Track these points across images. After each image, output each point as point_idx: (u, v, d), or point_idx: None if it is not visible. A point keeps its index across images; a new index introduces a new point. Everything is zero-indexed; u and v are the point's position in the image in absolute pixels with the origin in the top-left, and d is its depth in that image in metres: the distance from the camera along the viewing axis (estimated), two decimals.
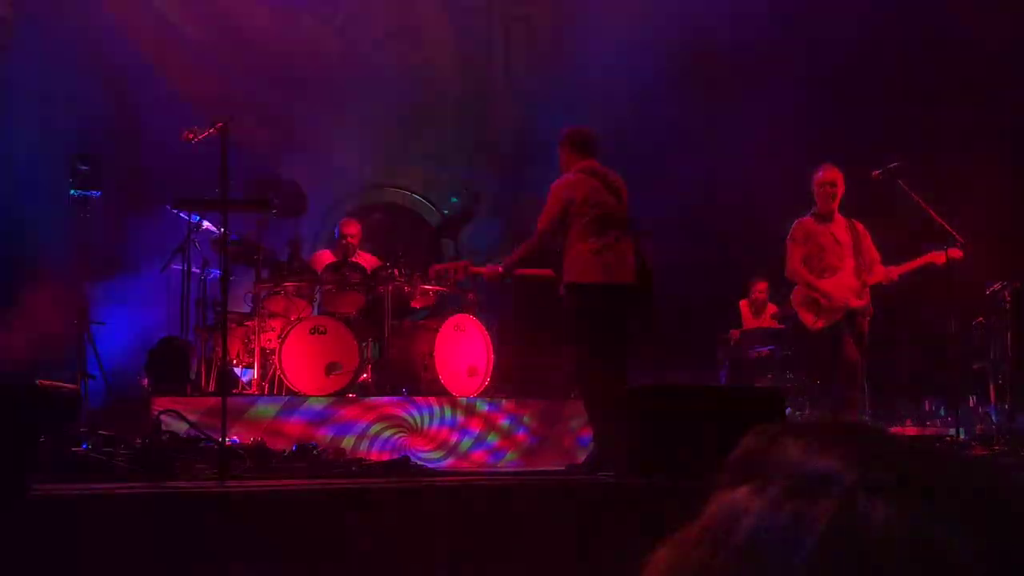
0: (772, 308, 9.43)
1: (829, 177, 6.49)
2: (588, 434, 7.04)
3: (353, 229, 8.20)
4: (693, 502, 0.64)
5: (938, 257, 6.44)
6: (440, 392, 7.06)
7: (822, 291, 6.43)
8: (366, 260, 7.93)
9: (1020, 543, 0.57)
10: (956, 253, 6.43)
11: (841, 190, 6.48)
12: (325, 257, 8.07)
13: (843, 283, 6.42)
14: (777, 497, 0.59)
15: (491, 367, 7.37)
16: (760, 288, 9.45)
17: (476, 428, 7.05)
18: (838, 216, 6.57)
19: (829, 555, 0.55)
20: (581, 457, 7.07)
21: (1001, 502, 0.59)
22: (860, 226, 6.61)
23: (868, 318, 6.46)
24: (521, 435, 7.25)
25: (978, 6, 9.24)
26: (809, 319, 6.50)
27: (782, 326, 9.24)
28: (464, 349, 7.30)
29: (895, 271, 6.49)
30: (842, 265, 6.48)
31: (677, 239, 9.12)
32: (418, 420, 6.84)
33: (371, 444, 6.60)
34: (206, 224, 7.62)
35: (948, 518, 0.56)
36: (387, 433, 6.70)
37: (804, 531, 0.56)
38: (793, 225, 6.60)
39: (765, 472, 0.61)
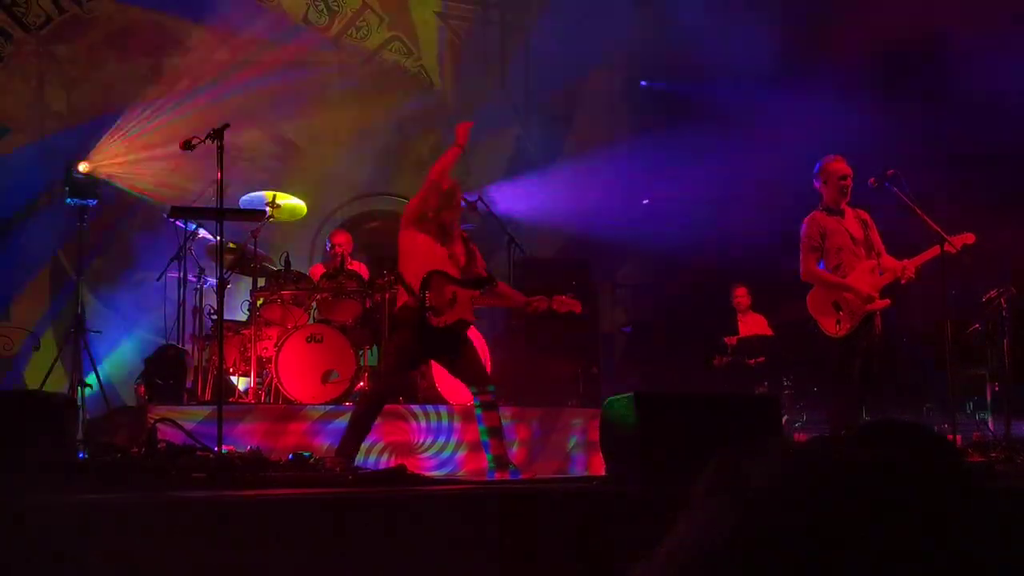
0: (757, 317, 9.40)
1: (845, 169, 6.16)
2: (587, 439, 7.05)
3: (342, 239, 8.22)
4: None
5: (950, 246, 6.10)
6: (437, 400, 7.05)
7: (848, 287, 6.05)
8: (359, 270, 7.93)
9: (929, 548, 0.65)
10: (969, 238, 6.16)
11: (851, 182, 6.18)
12: (319, 271, 8.06)
13: (863, 281, 6.11)
14: (714, 509, 0.66)
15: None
16: (739, 294, 9.45)
17: (472, 436, 7.02)
18: (847, 208, 6.23)
19: (732, 555, 0.62)
20: (579, 463, 7.08)
21: (910, 503, 0.67)
22: (867, 216, 6.30)
23: (880, 315, 6.15)
24: (518, 442, 7.22)
25: None
26: (831, 325, 6.09)
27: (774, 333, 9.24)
28: None
29: (911, 266, 6.11)
30: (858, 264, 6.15)
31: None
32: (415, 428, 6.82)
33: (367, 453, 6.58)
34: (202, 233, 7.61)
35: (846, 525, 0.63)
36: (383, 441, 6.68)
37: (716, 534, 0.63)
38: (805, 223, 6.21)
39: (724, 490, 0.67)
